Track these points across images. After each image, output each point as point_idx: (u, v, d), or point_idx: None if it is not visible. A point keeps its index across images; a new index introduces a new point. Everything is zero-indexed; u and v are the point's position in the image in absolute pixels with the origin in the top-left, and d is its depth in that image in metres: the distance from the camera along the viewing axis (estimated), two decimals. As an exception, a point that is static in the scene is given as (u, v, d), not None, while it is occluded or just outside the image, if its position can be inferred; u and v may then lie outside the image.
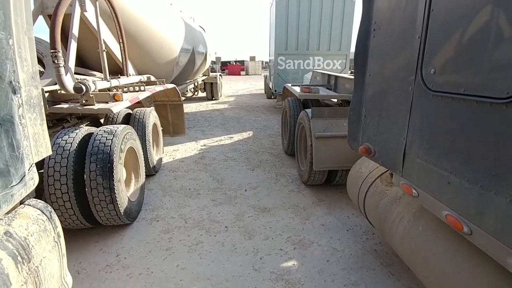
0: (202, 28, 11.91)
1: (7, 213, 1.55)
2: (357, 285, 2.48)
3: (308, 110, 4.02)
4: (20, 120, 1.52)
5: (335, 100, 5.38)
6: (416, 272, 1.85)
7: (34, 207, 1.82)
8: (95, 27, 4.04)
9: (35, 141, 1.75)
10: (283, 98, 6.54)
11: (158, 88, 5.07)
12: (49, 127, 3.69)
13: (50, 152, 1.93)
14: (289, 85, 5.88)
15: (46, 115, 3.39)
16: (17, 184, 1.48)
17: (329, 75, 5.57)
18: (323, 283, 2.51)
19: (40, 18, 4.12)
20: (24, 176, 1.59)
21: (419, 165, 1.70)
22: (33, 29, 1.71)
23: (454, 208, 1.44)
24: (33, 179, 1.72)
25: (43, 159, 2.83)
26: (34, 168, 1.74)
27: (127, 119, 4.62)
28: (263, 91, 16.80)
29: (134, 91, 4.53)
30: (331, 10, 9.21)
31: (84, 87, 3.23)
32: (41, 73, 3.85)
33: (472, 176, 1.33)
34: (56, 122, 3.86)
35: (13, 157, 1.37)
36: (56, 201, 2.84)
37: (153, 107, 6.04)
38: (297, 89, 5.05)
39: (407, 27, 1.78)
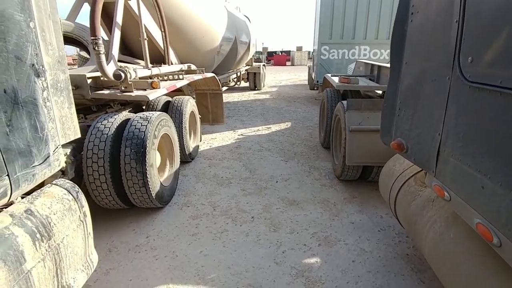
0: (247, 18, 11.89)
1: (32, 191, 1.65)
2: (382, 290, 2.32)
3: (345, 102, 3.82)
4: (45, 103, 1.57)
5: (379, 92, 5.05)
6: (442, 281, 1.67)
7: (61, 186, 1.92)
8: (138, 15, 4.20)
9: (62, 123, 1.84)
10: (323, 89, 6.31)
11: (197, 77, 5.17)
12: (93, 112, 3.95)
13: (79, 135, 2.02)
14: (329, 75, 5.64)
15: (89, 100, 3.68)
16: (39, 165, 1.53)
17: (372, 65, 5.23)
18: (345, 284, 2.39)
19: (86, 5, 4.36)
20: (48, 157, 1.66)
21: (453, 165, 1.51)
22: (58, 13, 1.76)
23: (486, 216, 1.26)
24: (58, 160, 1.79)
25: (83, 142, 3.06)
26: (61, 150, 1.80)
27: (167, 107, 4.78)
28: (306, 82, 16.42)
29: (174, 79, 4.67)
30: (381, -5, 8.61)
31: (123, 74, 3.39)
32: (86, 60, 4.11)
33: (506, 181, 1.15)
34: (101, 107, 4.13)
35: (36, 138, 1.45)
36: (94, 181, 3.04)
37: (194, 95, 6.21)
38: (335, 79, 4.83)
39: (445, 11, 1.57)
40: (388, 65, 4.59)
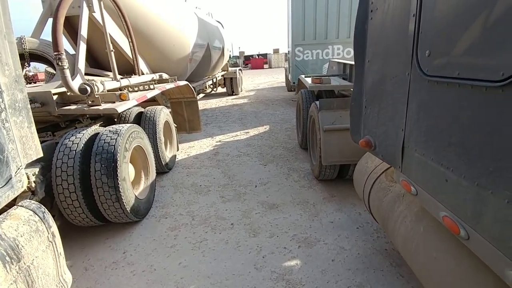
0: (220, 23, 11.87)
1: None
2: (362, 287, 2.33)
3: (318, 102, 3.85)
4: (4, 124, 1.53)
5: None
6: (417, 275, 1.69)
7: (26, 208, 1.86)
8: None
9: (22, 144, 1.77)
10: (298, 90, 6.35)
11: (169, 85, 5.09)
12: (61, 128, 3.81)
13: (41, 154, 1.95)
14: (303, 76, 5.68)
15: (56, 116, 3.54)
16: (1, 187, 1.50)
17: (344, 64, 5.31)
18: (326, 284, 2.38)
19: (51, 20, 4.22)
20: (11, 179, 1.61)
21: (418, 160, 1.53)
22: (13, 33, 1.72)
23: (452, 208, 1.28)
24: (21, 181, 1.74)
25: (51, 160, 2.93)
26: (23, 171, 1.75)
27: (139, 118, 4.67)
28: (284, 84, 16.55)
29: (144, 89, 4.57)
30: (350, -6, 8.80)
31: (89, 88, 3.28)
32: (53, 75, 3.97)
33: (469, 173, 1.16)
34: (70, 123, 3.98)
35: (-3, 161, 1.38)
36: (65, 200, 2.92)
37: (168, 105, 6.11)
38: (309, 80, 4.87)
39: (403, 5, 1.60)
40: (358, 63, 4.68)
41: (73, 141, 3.07)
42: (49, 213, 1.95)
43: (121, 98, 3.60)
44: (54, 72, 4.03)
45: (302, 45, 9.49)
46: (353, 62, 5.03)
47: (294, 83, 9.82)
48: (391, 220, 1.99)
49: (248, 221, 3.39)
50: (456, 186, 1.25)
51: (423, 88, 1.45)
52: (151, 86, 4.59)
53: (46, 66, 4.97)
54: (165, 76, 5.74)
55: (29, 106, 1.87)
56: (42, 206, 1.94)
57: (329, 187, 4.05)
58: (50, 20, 4.23)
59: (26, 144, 1.82)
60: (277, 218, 3.40)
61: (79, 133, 3.16)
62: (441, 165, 1.33)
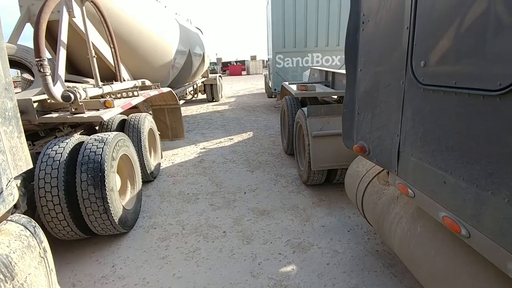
0: (199, 30, 11.86)
1: None
2: (358, 289, 2.38)
3: (305, 109, 3.93)
4: None
5: (335, 97, 5.28)
6: (415, 275, 1.76)
7: (17, 222, 1.77)
8: (85, 32, 3.99)
9: (12, 155, 1.69)
10: (282, 97, 6.44)
11: (153, 92, 5.01)
12: (41, 137, 3.65)
13: (31, 166, 1.87)
14: (287, 83, 5.78)
15: (36, 125, 3.39)
16: None
17: (326, 71, 5.46)
18: (323, 288, 2.42)
19: (28, 25, 4.07)
20: (2, 192, 1.53)
21: (414, 163, 1.61)
22: (3, 39, 1.65)
23: (451, 209, 1.35)
24: (12, 195, 1.66)
25: (33, 171, 2.80)
26: (13, 183, 1.67)
27: (122, 126, 4.56)
28: (264, 91, 16.70)
29: (128, 96, 4.48)
30: (328, 5, 9.07)
31: (72, 95, 3.18)
32: (30, 82, 3.81)
33: (468, 175, 1.24)
34: (49, 132, 3.82)
35: (-13, 174, 1.31)
36: (49, 213, 2.79)
37: (150, 112, 6.00)
38: (294, 87, 4.96)
39: (395, 18, 1.68)
40: (341, 71, 4.83)
41: (56, 151, 2.94)
42: (39, 228, 1.87)
43: (106, 106, 3.51)
44: (32, 78, 3.87)
45: (283, 52, 9.65)
46: (335, 70, 5.20)
47: (275, 89, 9.94)
48: (387, 222, 2.06)
49: (240, 228, 3.37)
50: (455, 187, 1.32)
51: (419, 96, 1.52)
52: (135, 93, 4.51)
53: (21, 72, 4.77)
54: (147, 82, 5.65)
55: (18, 115, 1.79)
56: (33, 220, 1.85)
57: (317, 191, 4.12)
58: (28, 25, 4.09)
59: (16, 155, 1.74)
60: (269, 224, 3.41)
61: (62, 142, 3.04)
62: (439, 168, 1.40)
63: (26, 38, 3.97)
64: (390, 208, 2.06)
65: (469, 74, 1.19)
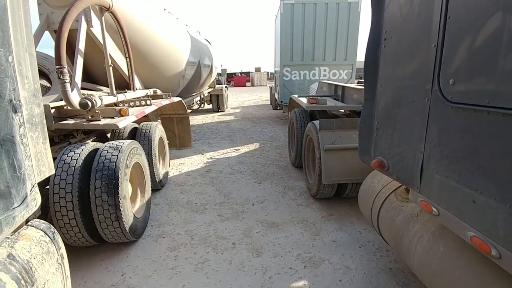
0: (208, 41, 12.03)
1: (10, 234, 1.51)
2: (373, 307, 2.34)
3: (316, 122, 3.94)
4: (22, 139, 1.48)
5: (342, 110, 5.31)
6: (438, 295, 1.73)
7: (37, 228, 1.77)
8: (102, 42, 4.06)
9: (37, 160, 1.71)
10: (290, 109, 6.48)
11: (165, 102, 5.06)
12: (55, 143, 3.67)
13: (53, 171, 1.89)
14: (296, 96, 5.83)
15: (52, 131, 3.42)
16: (18, 206, 1.44)
17: (336, 85, 5.51)
18: (337, 305, 2.38)
19: (47, 33, 4.15)
20: (26, 197, 1.54)
21: (439, 181, 1.60)
22: (34, 45, 1.68)
23: (481, 229, 1.33)
24: (35, 200, 1.67)
25: (47, 176, 2.80)
26: (37, 189, 1.69)
27: (134, 134, 4.59)
28: (268, 102, 16.81)
29: (141, 105, 4.52)
30: (336, 20, 9.22)
31: (89, 103, 3.21)
32: (47, 89, 3.86)
33: (500, 195, 1.23)
34: (63, 138, 3.85)
35: (15, 178, 1.33)
36: (62, 218, 2.79)
37: (159, 120, 6.05)
38: (304, 100, 4.99)
39: (420, 36, 1.71)
40: (352, 85, 4.87)
41: (71, 157, 2.96)
42: (58, 234, 1.87)
43: (121, 114, 3.54)
44: (49, 85, 3.92)
45: (290, 65, 9.76)
46: (345, 84, 5.24)
47: (282, 101, 10.01)
48: (406, 239, 2.03)
49: (250, 240, 3.34)
50: (485, 207, 1.31)
51: (446, 113, 1.53)
52: (148, 102, 4.55)
53: (40, 79, 4.83)
54: (159, 92, 5.71)
55: (44, 121, 1.81)
56: (52, 226, 1.86)
57: (326, 205, 4.09)
58: (46, 33, 4.17)
59: (40, 161, 1.76)
60: (278, 237, 3.38)
61: (77, 148, 3.06)
62: (468, 187, 1.40)
63: (41, 46, 4.09)
64: (410, 226, 2.04)
65: (504, 94, 1.20)
